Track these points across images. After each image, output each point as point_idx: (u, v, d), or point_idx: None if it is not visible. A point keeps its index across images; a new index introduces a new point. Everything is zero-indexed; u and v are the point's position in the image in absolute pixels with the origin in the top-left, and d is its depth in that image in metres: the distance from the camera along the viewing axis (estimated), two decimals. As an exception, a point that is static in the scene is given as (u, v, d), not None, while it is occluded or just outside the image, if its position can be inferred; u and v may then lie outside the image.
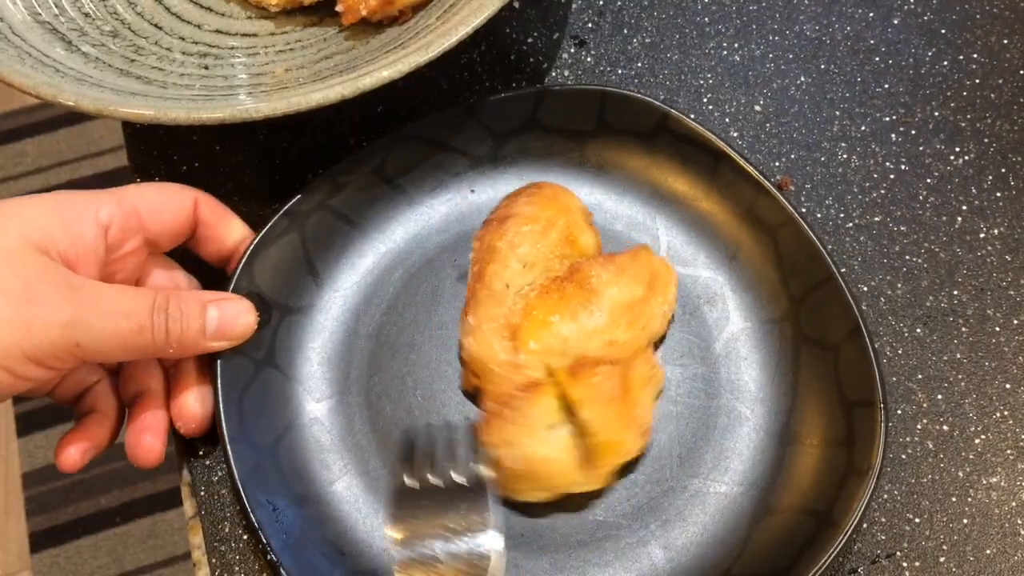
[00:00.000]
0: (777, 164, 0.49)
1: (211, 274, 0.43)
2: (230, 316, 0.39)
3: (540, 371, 0.39)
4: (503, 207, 0.43)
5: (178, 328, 0.37)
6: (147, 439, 0.38)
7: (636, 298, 0.41)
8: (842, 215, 0.47)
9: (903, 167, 0.49)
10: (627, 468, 0.40)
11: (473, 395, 0.42)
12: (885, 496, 0.41)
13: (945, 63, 0.52)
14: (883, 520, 0.40)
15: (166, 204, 0.39)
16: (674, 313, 0.44)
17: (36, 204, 0.36)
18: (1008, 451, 0.42)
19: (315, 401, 0.42)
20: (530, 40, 0.53)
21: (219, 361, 0.39)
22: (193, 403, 0.39)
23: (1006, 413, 0.43)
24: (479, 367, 0.40)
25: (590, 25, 0.53)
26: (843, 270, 0.45)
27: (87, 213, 0.36)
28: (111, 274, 0.38)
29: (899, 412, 0.43)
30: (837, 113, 0.50)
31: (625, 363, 0.40)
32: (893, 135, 0.50)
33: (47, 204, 0.36)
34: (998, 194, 0.48)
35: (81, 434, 0.39)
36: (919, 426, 0.42)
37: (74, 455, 0.38)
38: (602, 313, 0.40)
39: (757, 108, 0.50)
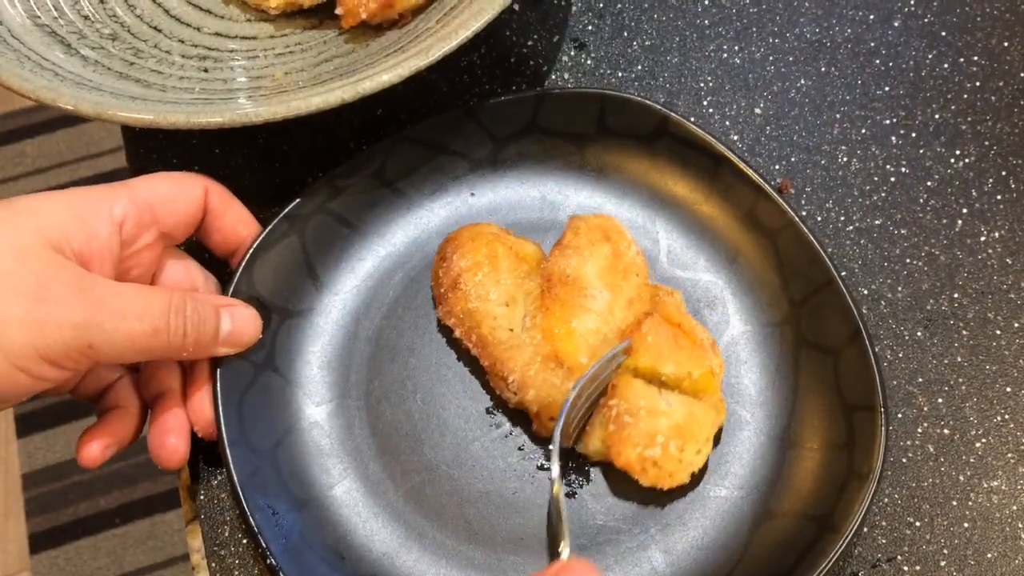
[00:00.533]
0: (777, 167, 0.49)
1: (213, 271, 0.43)
2: (242, 323, 0.39)
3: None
4: (443, 276, 0.43)
5: (196, 332, 0.37)
6: (171, 440, 0.38)
7: (609, 256, 0.42)
8: (842, 218, 0.47)
9: (903, 170, 0.49)
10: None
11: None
12: (885, 500, 0.41)
13: (945, 66, 0.52)
14: (884, 524, 0.40)
15: (178, 195, 0.39)
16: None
17: (52, 201, 0.35)
18: (1009, 455, 0.42)
19: (315, 405, 0.42)
20: (530, 43, 0.53)
21: (218, 365, 0.39)
22: (210, 406, 0.39)
23: (1007, 417, 0.43)
24: (556, 409, 0.39)
25: (590, 28, 0.53)
26: (843, 273, 0.44)
27: (101, 210, 0.36)
28: (127, 270, 0.38)
29: (899, 416, 0.43)
30: (837, 116, 0.50)
31: (655, 308, 0.41)
32: (893, 138, 0.50)
33: (63, 201, 0.36)
34: (998, 197, 0.48)
35: (103, 430, 0.38)
36: (920, 430, 0.42)
37: (95, 450, 0.38)
38: (600, 290, 0.41)
39: (757, 111, 0.50)
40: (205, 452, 0.41)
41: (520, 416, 0.41)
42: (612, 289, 0.41)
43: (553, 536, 0.39)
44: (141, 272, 0.39)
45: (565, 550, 0.37)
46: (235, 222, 0.41)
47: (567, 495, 0.40)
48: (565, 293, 0.41)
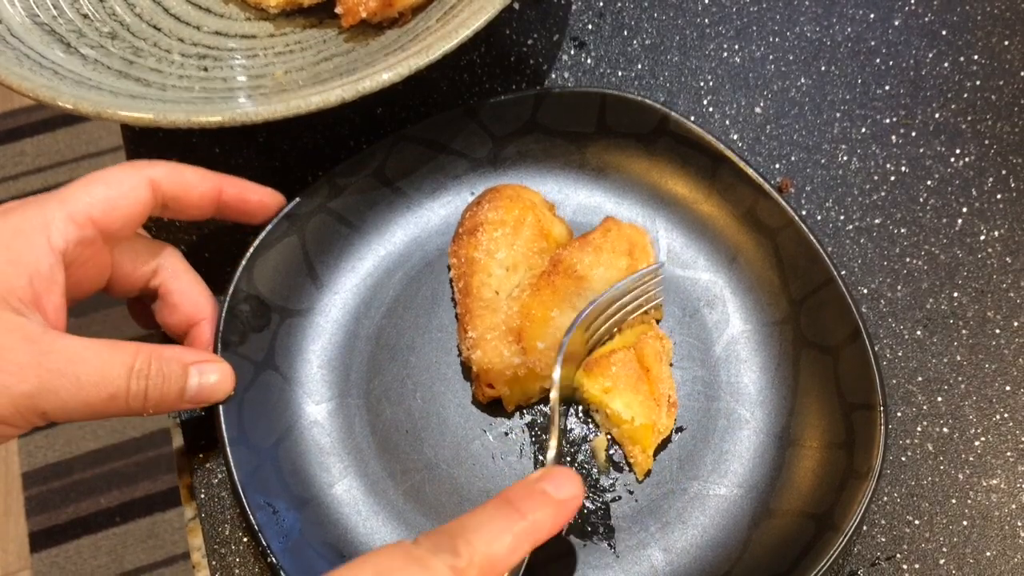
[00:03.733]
0: (777, 166, 0.49)
1: (213, 271, 0.43)
2: (210, 381, 0.38)
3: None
4: (469, 218, 0.43)
5: (158, 393, 0.36)
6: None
7: (622, 270, 0.42)
8: (842, 217, 0.47)
9: (903, 169, 0.49)
10: (627, 469, 0.40)
11: (488, 406, 0.42)
12: (885, 498, 0.41)
13: (946, 65, 0.52)
14: (883, 522, 0.40)
15: (117, 197, 0.37)
16: (662, 302, 0.44)
17: None
18: (1008, 453, 0.42)
19: (315, 403, 0.42)
20: (530, 42, 0.53)
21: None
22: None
23: (1006, 415, 0.43)
24: (495, 377, 0.40)
25: (590, 27, 0.53)
26: (843, 272, 0.45)
27: (37, 240, 0.34)
28: (77, 282, 0.37)
29: (899, 414, 0.43)
30: (837, 115, 0.50)
31: (635, 343, 0.40)
32: (893, 137, 0.50)
33: None
34: (998, 196, 0.48)
35: None
36: (919, 428, 0.42)
37: None
38: (596, 295, 0.41)
39: (757, 110, 0.50)
40: (205, 450, 0.42)
41: (520, 415, 0.41)
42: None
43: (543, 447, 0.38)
44: (94, 275, 0.38)
45: (551, 452, 0.37)
46: (197, 194, 0.39)
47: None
48: (562, 284, 0.41)
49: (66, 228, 0.35)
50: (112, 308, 1.22)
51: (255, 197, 0.41)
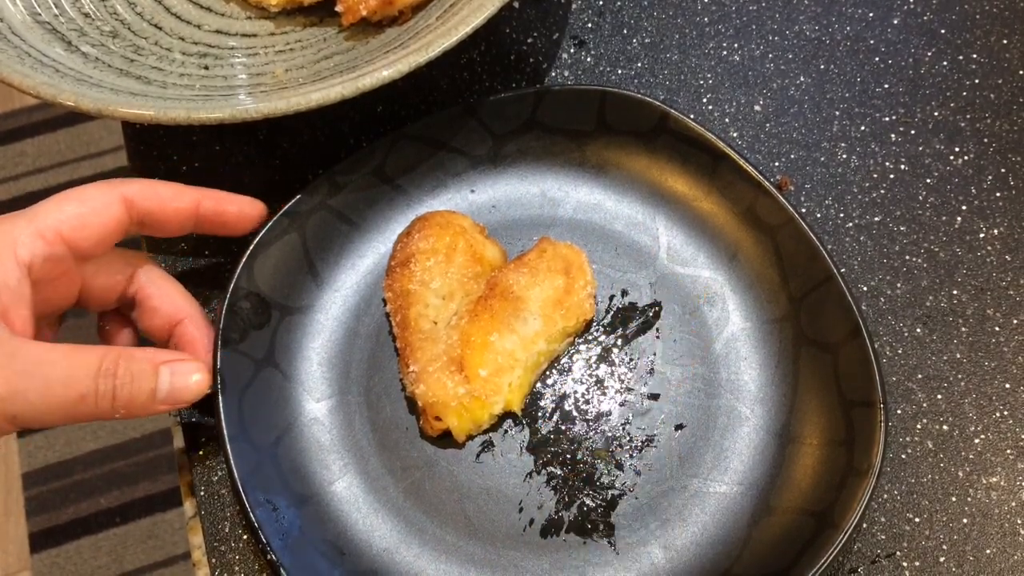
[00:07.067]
0: (777, 164, 0.49)
1: (213, 270, 0.43)
2: (183, 380, 0.37)
3: (500, 394, 0.40)
4: (399, 250, 0.43)
5: (127, 393, 0.35)
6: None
7: (559, 289, 0.41)
8: (842, 215, 0.47)
9: (903, 167, 0.49)
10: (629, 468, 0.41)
11: (438, 439, 0.41)
12: (885, 496, 0.41)
13: (945, 63, 0.52)
14: (883, 520, 0.40)
15: (88, 215, 0.36)
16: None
17: None
18: (1008, 451, 0.42)
19: (315, 401, 0.42)
20: (530, 40, 0.53)
21: (219, 361, 0.39)
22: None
23: (1006, 413, 0.43)
24: (441, 410, 0.40)
25: (590, 25, 0.53)
26: (843, 270, 0.45)
27: (4, 256, 0.34)
28: (46, 300, 0.37)
29: (899, 412, 0.43)
30: (837, 113, 0.50)
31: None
32: (893, 135, 0.50)
33: None
34: (998, 194, 0.48)
35: None
36: (919, 426, 0.42)
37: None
38: (535, 316, 0.41)
39: (757, 108, 0.51)
40: (206, 448, 0.42)
41: (521, 413, 0.42)
42: (546, 321, 0.41)
43: None
44: (63, 292, 0.38)
45: None
46: (173, 208, 0.39)
47: (567, 490, 0.40)
48: (500, 307, 0.41)
49: (33, 244, 0.35)
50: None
51: (233, 208, 0.41)
